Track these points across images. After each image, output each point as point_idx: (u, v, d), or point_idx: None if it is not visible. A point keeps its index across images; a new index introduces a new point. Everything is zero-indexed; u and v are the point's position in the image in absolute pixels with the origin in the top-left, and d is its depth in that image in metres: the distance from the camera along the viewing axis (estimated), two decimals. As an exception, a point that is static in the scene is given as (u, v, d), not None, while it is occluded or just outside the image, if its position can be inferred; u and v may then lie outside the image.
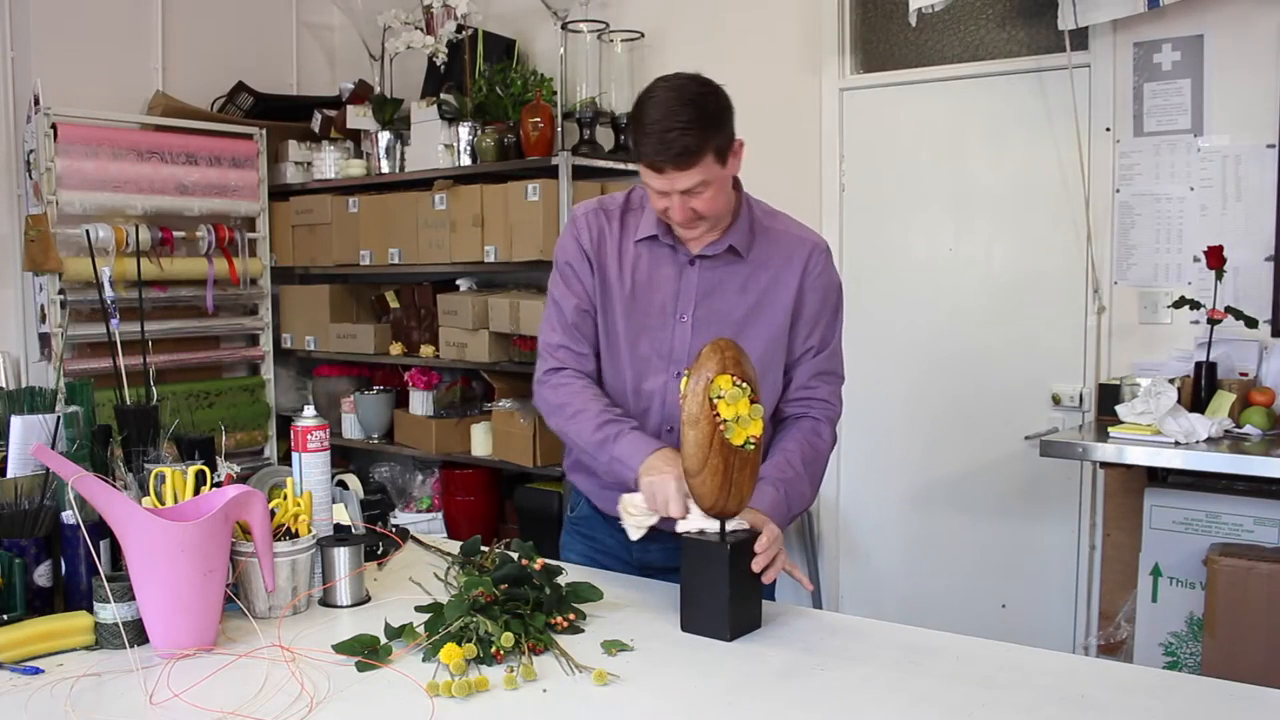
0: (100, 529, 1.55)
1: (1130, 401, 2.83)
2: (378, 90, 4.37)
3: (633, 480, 1.72)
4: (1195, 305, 2.97)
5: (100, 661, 1.45)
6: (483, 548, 1.86)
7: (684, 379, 1.54)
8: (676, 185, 1.70)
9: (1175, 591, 2.85)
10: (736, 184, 1.87)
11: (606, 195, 1.96)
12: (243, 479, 1.78)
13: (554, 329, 1.92)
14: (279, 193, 4.51)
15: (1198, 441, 2.68)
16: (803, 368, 1.89)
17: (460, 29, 4.06)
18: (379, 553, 1.90)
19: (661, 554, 1.89)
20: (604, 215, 1.90)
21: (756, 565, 1.57)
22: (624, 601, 1.65)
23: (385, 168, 4.27)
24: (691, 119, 1.66)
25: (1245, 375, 2.97)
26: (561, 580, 1.66)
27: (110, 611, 1.48)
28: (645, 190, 1.84)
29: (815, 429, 1.87)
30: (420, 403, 4.22)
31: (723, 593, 1.53)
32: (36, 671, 1.42)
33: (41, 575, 1.58)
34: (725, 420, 1.51)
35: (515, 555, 1.68)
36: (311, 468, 1.78)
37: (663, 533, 1.90)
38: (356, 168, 4.35)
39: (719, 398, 1.51)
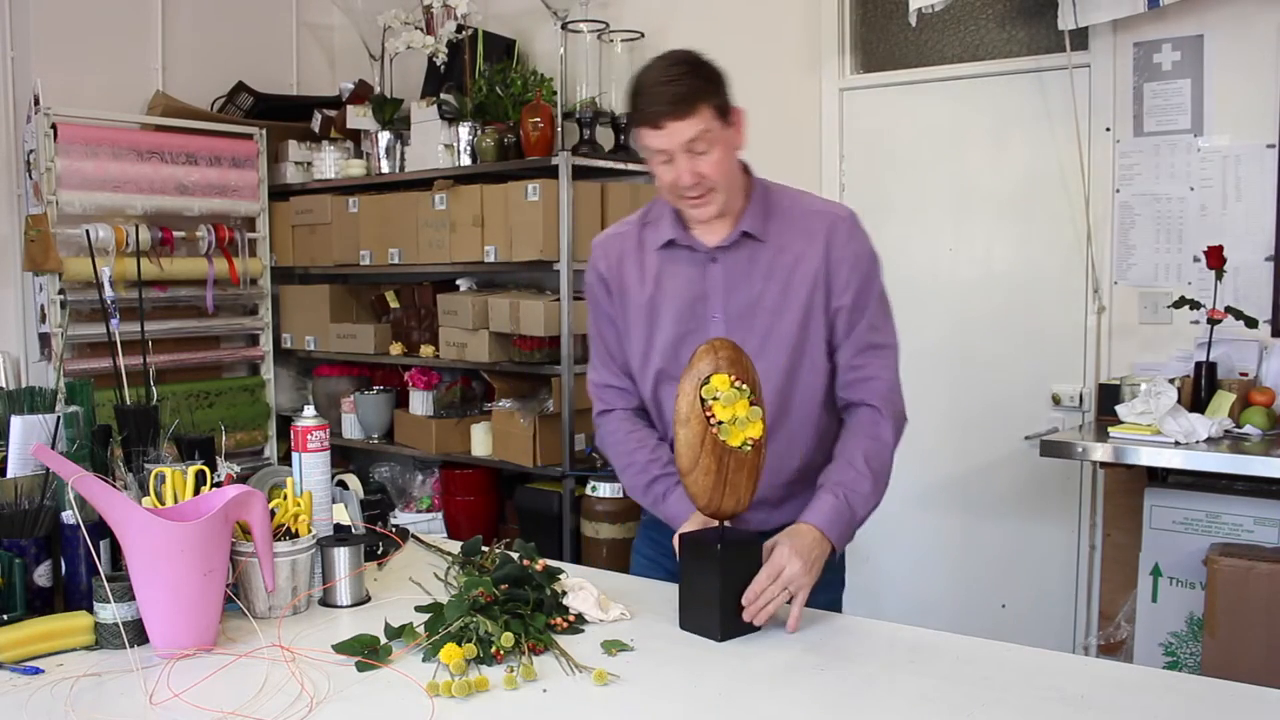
0: (100, 529, 1.55)
1: (1130, 401, 2.83)
2: (378, 90, 4.37)
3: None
4: (1195, 305, 2.97)
5: (100, 661, 1.45)
6: (483, 548, 1.86)
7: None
8: (677, 138, 1.67)
9: (1175, 591, 2.85)
10: (747, 169, 1.85)
11: (623, 219, 1.94)
12: (243, 479, 1.78)
13: (596, 368, 1.96)
14: (279, 193, 4.51)
15: (1198, 441, 2.68)
16: (848, 341, 1.82)
17: (460, 29, 4.06)
18: (379, 553, 1.90)
19: None
20: (620, 237, 1.91)
21: (746, 599, 1.54)
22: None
23: (385, 168, 4.27)
24: (684, 72, 1.69)
25: (1245, 375, 2.97)
26: (562, 580, 1.66)
27: (110, 611, 1.48)
28: (664, 201, 1.83)
29: (875, 420, 1.80)
30: (420, 403, 4.22)
31: (714, 594, 1.53)
32: (36, 671, 1.42)
33: (41, 575, 1.58)
34: (721, 422, 1.51)
35: (515, 555, 1.68)
36: (311, 468, 1.78)
37: None
38: (356, 168, 4.35)
39: (714, 399, 1.51)
